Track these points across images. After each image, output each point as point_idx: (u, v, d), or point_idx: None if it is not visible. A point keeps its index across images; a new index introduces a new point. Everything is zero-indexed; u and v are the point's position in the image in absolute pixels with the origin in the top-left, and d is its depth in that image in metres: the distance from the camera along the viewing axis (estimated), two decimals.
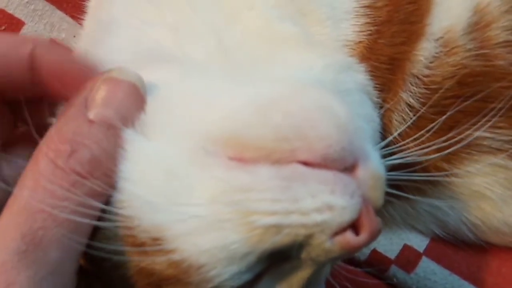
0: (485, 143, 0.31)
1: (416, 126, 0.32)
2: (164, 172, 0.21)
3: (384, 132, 0.32)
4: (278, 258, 0.22)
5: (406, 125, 0.31)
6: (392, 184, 0.30)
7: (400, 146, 0.29)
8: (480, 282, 0.35)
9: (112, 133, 0.22)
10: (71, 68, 0.24)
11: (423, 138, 0.30)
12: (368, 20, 0.31)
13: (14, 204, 0.21)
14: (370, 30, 0.31)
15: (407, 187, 0.33)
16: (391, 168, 0.28)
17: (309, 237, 0.21)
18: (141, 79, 0.23)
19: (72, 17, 0.37)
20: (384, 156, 0.27)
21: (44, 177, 0.21)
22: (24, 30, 0.36)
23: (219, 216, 0.20)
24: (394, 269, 0.35)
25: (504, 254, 0.35)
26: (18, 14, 0.35)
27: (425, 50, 0.31)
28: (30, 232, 0.20)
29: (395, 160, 0.28)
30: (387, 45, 0.31)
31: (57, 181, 0.20)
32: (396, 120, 0.32)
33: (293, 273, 0.23)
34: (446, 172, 0.31)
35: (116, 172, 0.21)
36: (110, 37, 0.29)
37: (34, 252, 0.21)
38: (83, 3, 0.35)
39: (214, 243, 0.20)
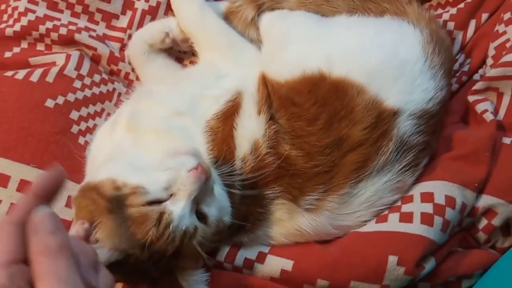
0: (273, 195, 0.72)
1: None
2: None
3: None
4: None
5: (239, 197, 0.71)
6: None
7: None
8: (296, 257, 0.71)
9: None
10: None
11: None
12: (212, 155, 0.72)
13: None
14: (215, 159, 0.72)
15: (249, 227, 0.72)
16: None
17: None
18: None
19: None
20: None
21: None
22: None
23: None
24: (256, 265, 0.72)
25: (303, 244, 0.74)
26: None
27: (237, 165, 0.72)
28: None
29: None
30: (222, 164, 0.72)
31: None
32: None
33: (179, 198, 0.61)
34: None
35: None
36: None
37: None
38: None
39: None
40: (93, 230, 0.62)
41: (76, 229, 0.61)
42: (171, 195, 0.62)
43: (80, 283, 0.41)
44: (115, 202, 0.61)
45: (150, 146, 0.72)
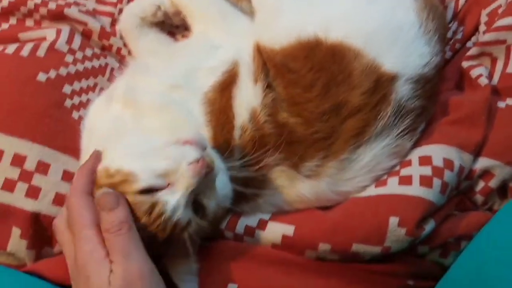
0: (272, 163, 0.71)
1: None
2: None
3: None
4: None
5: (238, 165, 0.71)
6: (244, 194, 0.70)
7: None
8: (297, 222, 0.72)
9: None
10: None
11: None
12: (211, 126, 0.72)
13: None
14: (213, 130, 0.72)
15: (248, 194, 0.72)
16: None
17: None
18: None
19: None
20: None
21: None
22: None
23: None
24: (257, 232, 0.73)
25: (304, 210, 0.74)
26: None
27: (236, 133, 0.72)
28: None
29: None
30: (221, 135, 0.72)
31: None
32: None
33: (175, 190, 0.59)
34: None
35: None
36: None
37: None
38: None
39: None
40: None
41: None
42: (169, 184, 0.60)
43: (145, 253, 0.55)
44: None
45: (150, 124, 0.71)
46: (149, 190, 0.60)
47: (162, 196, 0.59)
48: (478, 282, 0.64)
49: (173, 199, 0.59)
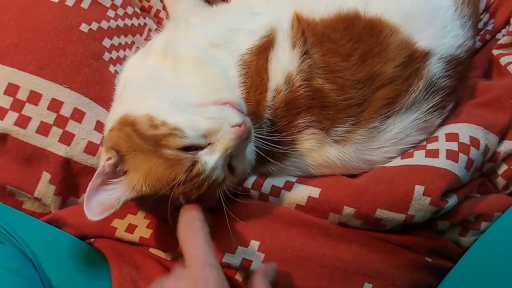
0: (304, 125, 0.73)
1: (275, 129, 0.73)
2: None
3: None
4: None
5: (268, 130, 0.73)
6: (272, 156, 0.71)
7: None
8: (324, 185, 0.73)
9: None
10: None
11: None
12: (244, 87, 0.74)
13: None
14: (247, 91, 0.74)
15: (277, 157, 0.74)
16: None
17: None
18: None
19: None
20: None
21: None
22: None
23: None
24: (283, 192, 0.74)
25: (329, 177, 0.76)
26: None
27: (269, 95, 0.73)
28: None
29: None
30: (253, 95, 0.74)
31: None
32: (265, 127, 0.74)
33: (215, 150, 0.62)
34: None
35: None
36: None
37: None
38: None
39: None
40: (121, 161, 0.64)
41: (103, 168, 0.63)
42: (209, 143, 0.62)
43: None
44: (151, 142, 0.62)
45: (187, 78, 0.73)
46: (190, 148, 0.62)
47: (202, 155, 0.62)
48: (500, 262, 0.66)
49: (212, 159, 0.61)
